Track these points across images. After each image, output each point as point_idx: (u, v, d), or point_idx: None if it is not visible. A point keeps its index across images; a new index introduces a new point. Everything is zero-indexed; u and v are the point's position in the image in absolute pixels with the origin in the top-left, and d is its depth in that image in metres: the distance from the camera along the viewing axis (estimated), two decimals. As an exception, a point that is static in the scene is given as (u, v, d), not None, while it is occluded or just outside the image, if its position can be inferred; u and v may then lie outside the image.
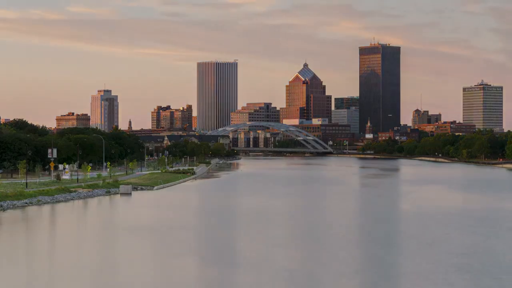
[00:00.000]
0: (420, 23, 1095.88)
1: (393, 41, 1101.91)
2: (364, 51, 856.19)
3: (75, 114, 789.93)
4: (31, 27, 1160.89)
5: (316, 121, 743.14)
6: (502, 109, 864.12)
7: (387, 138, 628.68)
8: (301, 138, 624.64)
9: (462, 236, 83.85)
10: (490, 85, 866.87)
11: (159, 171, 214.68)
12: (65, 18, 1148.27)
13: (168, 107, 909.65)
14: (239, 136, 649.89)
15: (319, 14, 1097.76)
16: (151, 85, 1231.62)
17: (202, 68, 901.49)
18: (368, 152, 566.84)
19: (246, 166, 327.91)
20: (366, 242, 79.44)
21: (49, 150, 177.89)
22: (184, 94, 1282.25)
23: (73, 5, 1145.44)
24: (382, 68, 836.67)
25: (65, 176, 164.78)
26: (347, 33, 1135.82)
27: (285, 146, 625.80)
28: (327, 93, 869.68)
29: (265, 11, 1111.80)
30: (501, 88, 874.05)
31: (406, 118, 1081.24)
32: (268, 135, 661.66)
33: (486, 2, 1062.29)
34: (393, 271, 63.22)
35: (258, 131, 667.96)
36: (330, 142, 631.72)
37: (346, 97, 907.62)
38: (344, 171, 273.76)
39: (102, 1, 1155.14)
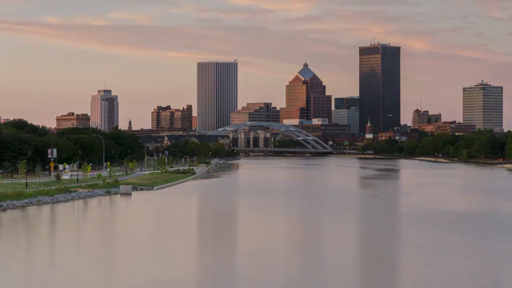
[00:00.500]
0: (443, 28, 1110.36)
1: (417, 45, 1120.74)
2: (364, 51, 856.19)
3: (75, 114, 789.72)
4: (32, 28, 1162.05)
5: (316, 121, 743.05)
6: (502, 109, 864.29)
7: (387, 138, 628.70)
8: (301, 138, 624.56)
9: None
10: (490, 85, 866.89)
11: (159, 171, 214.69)
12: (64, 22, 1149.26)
13: (168, 107, 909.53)
14: (239, 136, 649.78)
15: (347, 19, 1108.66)
16: (151, 85, 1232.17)
17: (202, 68, 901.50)
18: (368, 152, 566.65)
19: (244, 168, 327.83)
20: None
21: (49, 150, 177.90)
22: (184, 94, 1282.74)
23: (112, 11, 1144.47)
24: (382, 68, 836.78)
25: (65, 176, 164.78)
26: (356, 35, 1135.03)
27: (285, 146, 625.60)
28: (327, 93, 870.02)
29: (297, 17, 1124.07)
30: (501, 88, 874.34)
31: (406, 118, 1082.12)
32: (268, 135, 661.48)
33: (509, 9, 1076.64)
34: None
35: (258, 131, 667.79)
36: (330, 142, 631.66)
37: (346, 97, 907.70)
38: (348, 178, 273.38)
39: (142, 8, 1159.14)
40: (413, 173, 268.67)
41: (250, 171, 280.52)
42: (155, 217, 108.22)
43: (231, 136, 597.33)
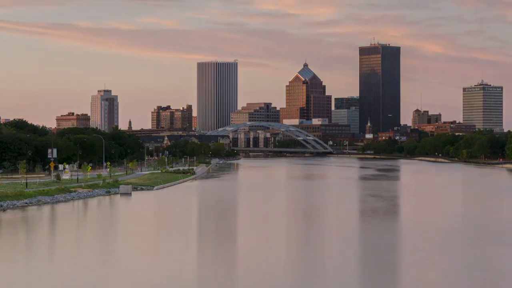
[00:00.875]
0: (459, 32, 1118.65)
1: (434, 48, 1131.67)
2: (364, 51, 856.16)
3: (75, 114, 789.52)
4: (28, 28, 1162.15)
5: (316, 121, 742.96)
6: (502, 109, 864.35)
7: (387, 138, 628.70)
8: (301, 138, 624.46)
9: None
10: (490, 85, 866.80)
11: (159, 171, 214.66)
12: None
13: (168, 107, 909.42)
14: (239, 136, 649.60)
15: (366, 23, 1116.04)
16: (151, 85, 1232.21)
17: (202, 68, 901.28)
18: (368, 152, 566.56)
19: (244, 168, 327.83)
20: None
21: (49, 150, 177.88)
22: (184, 94, 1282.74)
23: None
24: (382, 68, 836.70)
25: (65, 176, 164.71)
26: (348, 34, 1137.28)
27: (285, 146, 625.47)
28: (327, 93, 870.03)
29: (317, 21, 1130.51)
30: (501, 88, 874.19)
31: (406, 118, 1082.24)
32: (268, 135, 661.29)
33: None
34: None
35: (258, 131, 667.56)
36: (330, 142, 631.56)
37: (346, 97, 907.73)
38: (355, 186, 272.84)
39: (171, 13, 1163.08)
40: (413, 174, 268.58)
41: (250, 172, 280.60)
42: (155, 217, 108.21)
43: (231, 136, 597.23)
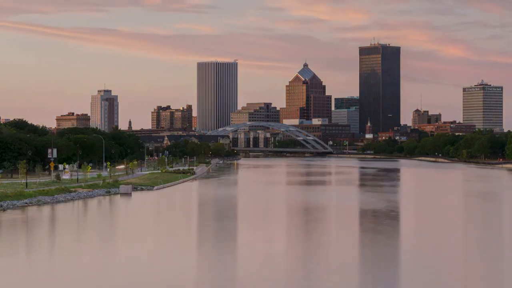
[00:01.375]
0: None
1: (456, 52, 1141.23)
2: (364, 51, 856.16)
3: (75, 114, 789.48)
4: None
5: (316, 121, 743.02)
6: (502, 109, 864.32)
7: (387, 138, 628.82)
8: (301, 138, 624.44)
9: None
10: (490, 85, 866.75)
11: (159, 171, 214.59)
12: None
13: (168, 107, 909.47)
14: (239, 136, 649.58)
15: (392, 28, 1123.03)
16: (151, 85, 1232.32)
17: (202, 68, 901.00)
18: (368, 152, 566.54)
19: (244, 168, 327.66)
20: None
21: (49, 150, 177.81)
22: (184, 94, 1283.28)
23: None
24: (382, 68, 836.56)
25: (65, 176, 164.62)
26: (347, 34, 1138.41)
27: (285, 146, 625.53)
28: (327, 93, 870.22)
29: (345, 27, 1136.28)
30: (501, 88, 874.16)
31: (406, 118, 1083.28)
32: (268, 135, 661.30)
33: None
34: None
35: (258, 131, 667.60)
36: (330, 142, 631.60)
37: (346, 97, 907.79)
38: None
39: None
40: (414, 175, 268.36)
41: (250, 171, 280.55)
42: (155, 217, 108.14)
43: (231, 136, 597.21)
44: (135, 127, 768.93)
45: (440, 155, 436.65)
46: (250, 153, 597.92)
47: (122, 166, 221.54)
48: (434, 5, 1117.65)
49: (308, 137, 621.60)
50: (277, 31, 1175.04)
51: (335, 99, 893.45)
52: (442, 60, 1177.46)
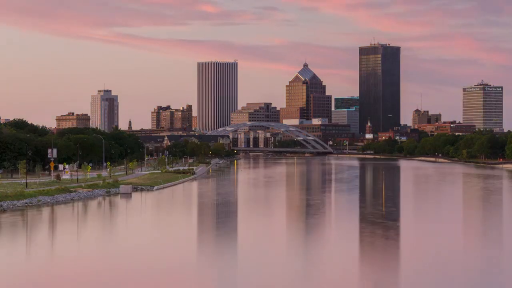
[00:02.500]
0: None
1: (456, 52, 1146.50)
2: (364, 51, 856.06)
3: (75, 114, 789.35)
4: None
5: (316, 121, 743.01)
6: (502, 109, 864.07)
7: (387, 138, 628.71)
8: (301, 138, 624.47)
9: None
10: (490, 85, 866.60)
11: (159, 171, 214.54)
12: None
13: (168, 107, 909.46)
14: (239, 136, 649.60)
15: (444, 39, 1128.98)
16: (151, 85, 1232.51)
17: (202, 68, 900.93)
18: (368, 152, 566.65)
19: (245, 168, 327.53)
20: None
21: (49, 150, 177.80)
22: (184, 94, 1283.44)
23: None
24: (382, 68, 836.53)
25: (65, 176, 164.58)
26: (348, 34, 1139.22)
27: (285, 146, 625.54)
28: (327, 93, 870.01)
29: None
30: (501, 88, 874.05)
31: (406, 118, 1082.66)
32: (268, 135, 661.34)
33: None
34: None
35: (258, 131, 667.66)
36: (330, 142, 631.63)
37: (346, 97, 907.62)
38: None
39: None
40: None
41: (250, 172, 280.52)
42: (155, 217, 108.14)
43: (231, 136, 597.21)
44: (135, 127, 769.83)
45: (440, 155, 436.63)
46: (250, 153, 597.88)
47: (122, 166, 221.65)
48: (434, 5, 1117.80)
49: (308, 137, 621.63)
50: (277, 31, 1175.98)
51: (335, 99, 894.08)
52: (442, 60, 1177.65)
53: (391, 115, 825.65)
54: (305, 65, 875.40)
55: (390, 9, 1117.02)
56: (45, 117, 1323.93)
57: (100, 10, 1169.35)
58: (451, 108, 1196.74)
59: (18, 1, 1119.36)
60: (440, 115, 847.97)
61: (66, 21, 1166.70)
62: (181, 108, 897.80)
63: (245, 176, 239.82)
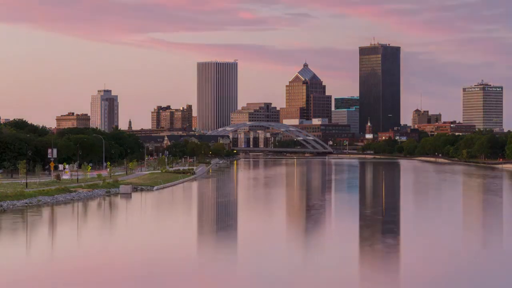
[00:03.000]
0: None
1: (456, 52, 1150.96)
2: (364, 51, 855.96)
3: (75, 114, 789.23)
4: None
5: (316, 121, 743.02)
6: (502, 109, 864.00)
7: (387, 138, 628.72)
8: (301, 138, 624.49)
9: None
10: (490, 85, 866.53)
11: (159, 171, 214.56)
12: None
13: (168, 107, 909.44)
14: (239, 136, 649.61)
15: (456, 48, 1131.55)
16: (151, 85, 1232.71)
17: (202, 68, 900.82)
18: (368, 152, 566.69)
19: (245, 168, 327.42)
20: None
21: (49, 150, 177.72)
22: (184, 94, 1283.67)
23: None
24: (382, 68, 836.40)
25: (65, 176, 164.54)
26: (347, 34, 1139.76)
27: (285, 146, 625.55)
28: (327, 93, 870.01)
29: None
30: (501, 88, 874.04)
31: (406, 118, 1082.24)
32: (268, 135, 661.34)
33: None
34: None
35: (258, 131, 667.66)
36: (330, 142, 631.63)
37: (346, 97, 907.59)
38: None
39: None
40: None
41: (250, 172, 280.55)
42: (155, 217, 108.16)
43: (231, 136, 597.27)
44: (135, 127, 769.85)
45: (440, 155, 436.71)
46: (250, 153, 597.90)
47: (122, 166, 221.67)
48: (434, 4, 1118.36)
49: (308, 137, 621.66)
50: (277, 30, 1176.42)
51: (335, 99, 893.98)
52: (442, 60, 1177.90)
53: (391, 115, 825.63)
54: (305, 65, 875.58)
55: (390, 9, 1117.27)
56: (45, 117, 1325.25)
57: (100, 10, 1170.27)
58: (451, 108, 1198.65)
59: (12, 1, 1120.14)
60: (440, 115, 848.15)
61: (66, 21, 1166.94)
62: (181, 108, 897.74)
63: (245, 176, 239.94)
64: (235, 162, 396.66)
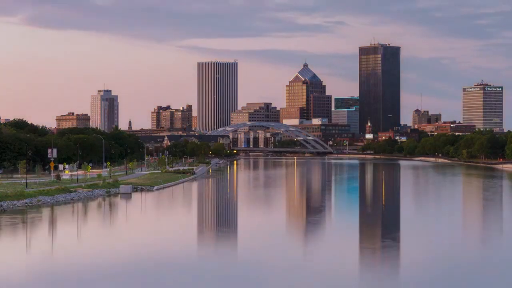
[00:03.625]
0: None
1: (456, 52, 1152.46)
2: (364, 51, 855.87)
3: (75, 114, 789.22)
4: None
5: (316, 121, 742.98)
6: (502, 109, 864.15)
7: (387, 138, 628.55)
8: (301, 138, 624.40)
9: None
10: (490, 85, 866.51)
11: (159, 171, 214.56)
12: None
13: (168, 107, 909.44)
14: (239, 136, 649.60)
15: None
16: (151, 85, 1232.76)
17: (202, 68, 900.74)
18: (368, 152, 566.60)
19: (245, 168, 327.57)
20: None
21: (49, 150, 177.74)
22: (184, 94, 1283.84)
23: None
24: (382, 68, 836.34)
25: (65, 176, 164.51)
26: (347, 33, 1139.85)
27: (285, 146, 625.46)
28: (327, 93, 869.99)
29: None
30: (501, 88, 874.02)
31: (406, 118, 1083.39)
32: (268, 135, 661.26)
33: None
34: None
35: (258, 131, 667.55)
36: (330, 142, 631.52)
37: (346, 97, 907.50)
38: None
39: None
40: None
41: (250, 172, 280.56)
42: (155, 217, 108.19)
43: (231, 136, 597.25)
44: (135, 127, 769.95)
45: (440, 155, 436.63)
46: (250, 153, 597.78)
47: (122, 166, 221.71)
48: (434, 4, 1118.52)
49: (308, 137, 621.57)
50: (277, 30, 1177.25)
51: (335, 99, 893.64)
52: (442, 60, 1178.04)
53: (391, 115, 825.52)
54: (305, 65, 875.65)
55: (390, 9, 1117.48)
56: (45, 117, 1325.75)
57: (100, 10, 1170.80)
58: (451, 108, 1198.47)
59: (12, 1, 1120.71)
60: (440, 115, 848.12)
61: (66, 21, 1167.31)
62: (181, 108, 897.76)
63: (245, 176, 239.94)
64: (235, 162, 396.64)
